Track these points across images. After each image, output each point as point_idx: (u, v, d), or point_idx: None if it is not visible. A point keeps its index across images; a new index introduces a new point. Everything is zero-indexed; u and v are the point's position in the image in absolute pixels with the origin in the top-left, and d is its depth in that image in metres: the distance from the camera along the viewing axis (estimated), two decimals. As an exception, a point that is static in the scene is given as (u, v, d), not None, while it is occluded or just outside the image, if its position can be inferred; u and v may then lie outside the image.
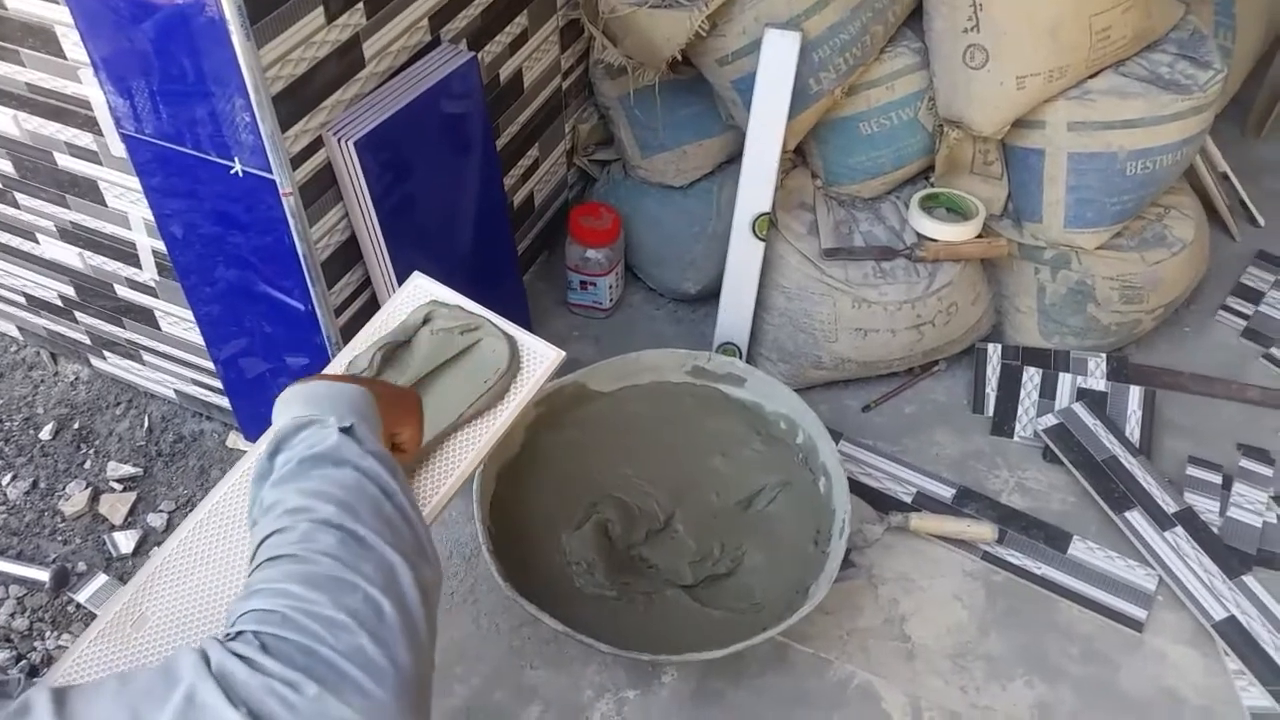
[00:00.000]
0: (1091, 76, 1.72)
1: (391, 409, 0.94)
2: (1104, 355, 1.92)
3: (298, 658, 0.65)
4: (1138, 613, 1.61)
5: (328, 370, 1.25)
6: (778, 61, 1.65)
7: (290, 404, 0.87)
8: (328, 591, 0.68)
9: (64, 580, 1.69)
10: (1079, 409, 1.84)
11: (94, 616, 1.65)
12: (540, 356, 1.27)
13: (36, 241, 1.73)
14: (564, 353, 1.28)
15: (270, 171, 1.31)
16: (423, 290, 1.33)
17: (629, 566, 1.61)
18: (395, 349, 1.28)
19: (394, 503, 0.78)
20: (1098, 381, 1.89)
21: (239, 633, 0.67)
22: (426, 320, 1.29)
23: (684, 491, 1.69)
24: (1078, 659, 1.57)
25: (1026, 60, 1.66)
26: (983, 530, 1.68)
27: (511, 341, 1.26)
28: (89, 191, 1.54)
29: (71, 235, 1.66)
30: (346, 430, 0.82)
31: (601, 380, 1.74)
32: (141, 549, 1.74)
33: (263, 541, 0.74)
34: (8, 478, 1.84)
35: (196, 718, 0.61)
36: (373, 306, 1.64)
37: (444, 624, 1.60)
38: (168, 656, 0.66)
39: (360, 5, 1.36)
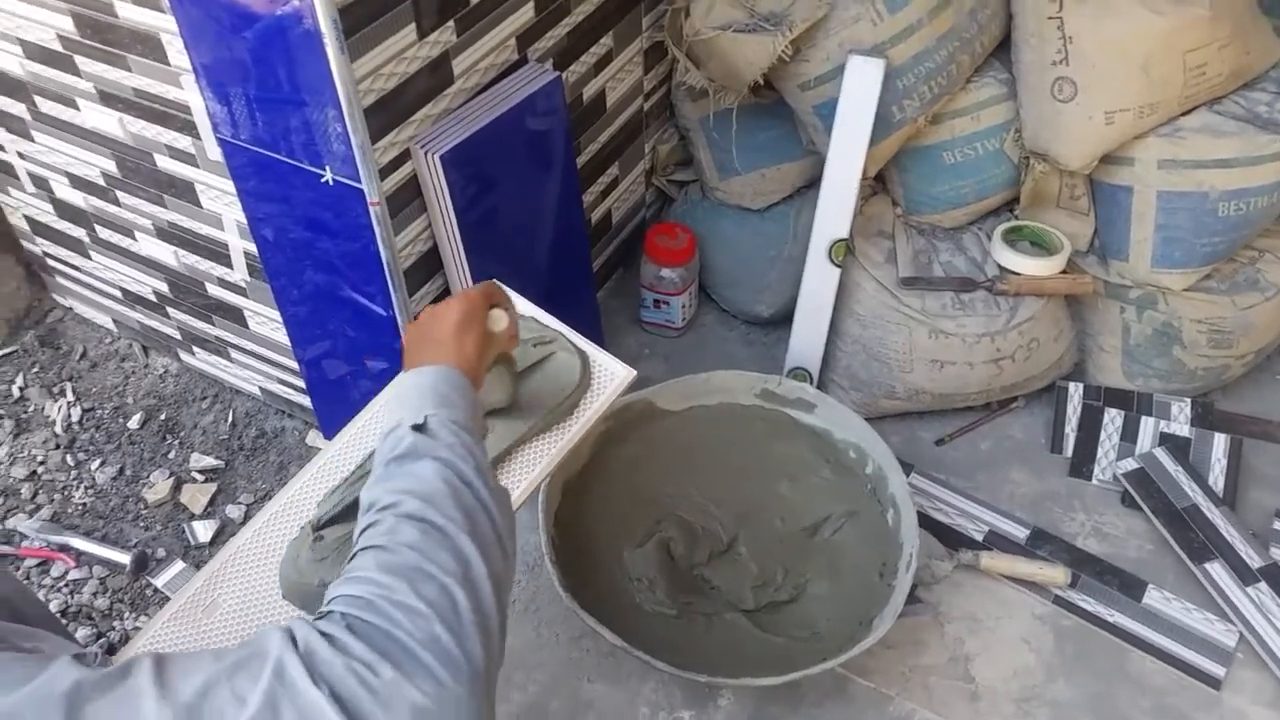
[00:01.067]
0: (1185, 113, 1.68)
1: (467, 344, 0.99)
2: (1189, 400, 1.86)
3: (378, 640, 0.68)
4: (1215, 669, 1.55)
5: None
6: (861, 88, 1.64)
7: (389, 409, 0.94)
8: (407, 580, 0.72)
9: (143, 564, 1.75)
10: (1161, 454, 1.79)
11: (169, 601, 1.70)
12: (611, 374, 1.29)
13: (134, 239, 1.80)
14: (635, 371, 1.29)
15: (359, 181, 1.35)
16: None
17: (690, 586, 1.60)
18: None
19: (471, 490, 0.82)
20: (1181, 427, 1.84)
21: (328, 611, 0.72)
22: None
23: (749, 515, 1.68)
24: (1149, 712, 1.52)
25: (1116, 95, 1.63)
26: (1055, 573, 1.64)
27: (584, 357, 1.28)
28: (186, 193, 1.61)
29: (168, 234, 1.73)
30: (419, 427, 0.86)
31: (670, 399, 1.74)
32: (218, 539, 1.79)
33: (360, 534, 0.79)
34: (97, 463, 1.91)
35: (284, 694, 0.65)
36: (450, 316, 1.67)
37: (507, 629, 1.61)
38: (256, 633, 0.70)
39: (451, 23, 1.40)
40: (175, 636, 1.10)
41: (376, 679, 0.66)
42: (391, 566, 0.73)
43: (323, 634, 0.68)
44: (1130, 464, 1.78)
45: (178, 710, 0.64)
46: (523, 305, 1.35)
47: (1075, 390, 1.90)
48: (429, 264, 1.57)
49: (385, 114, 1.34)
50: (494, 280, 1.10)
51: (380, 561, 0.74)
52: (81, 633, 1.66)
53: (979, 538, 1.73)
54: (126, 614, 1.71)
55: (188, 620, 1.12)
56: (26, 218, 1.98)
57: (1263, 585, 1.61)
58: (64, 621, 1.66)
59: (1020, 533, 1.74)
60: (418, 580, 0.72)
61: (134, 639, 1.11)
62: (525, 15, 1.54)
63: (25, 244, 2.07)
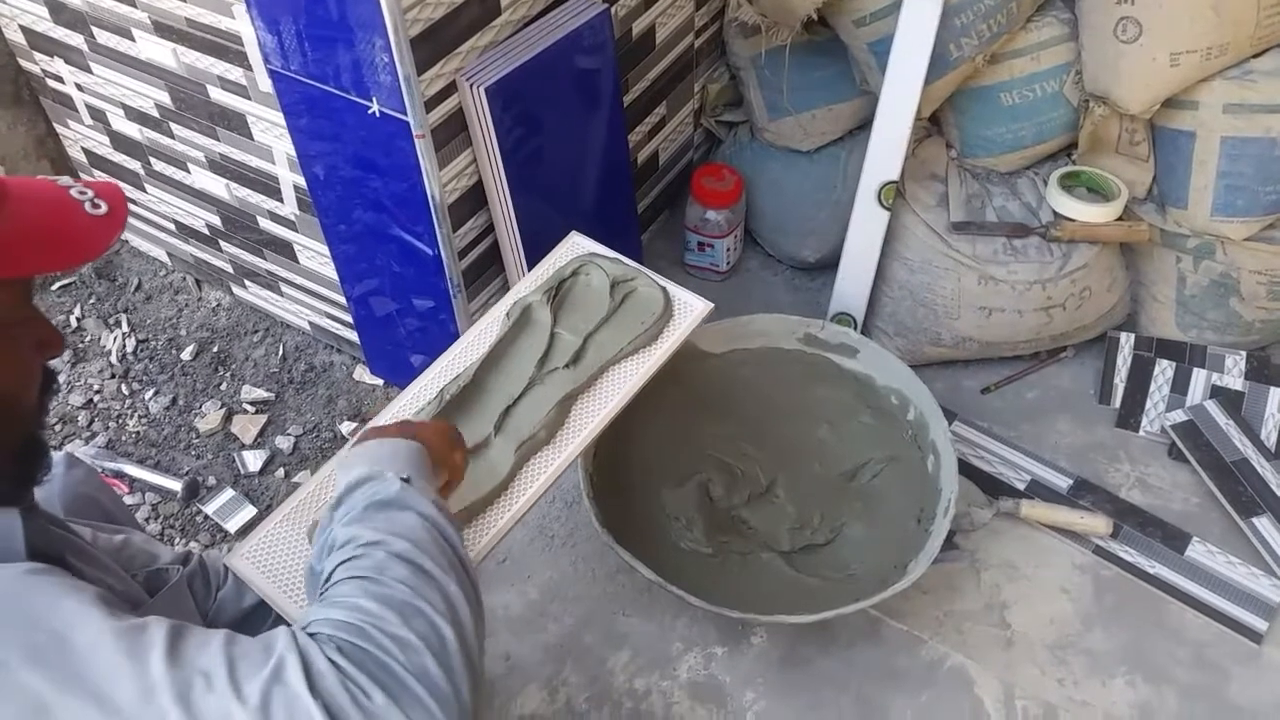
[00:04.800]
0: (1256, 55, 1.62)
1: (438, 444, 1.01)
2: (1244, 353, 1.82)
3: (370, 666, 0.70)
4: (1258, 623, 1.53)
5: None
6: (917, 25, 1.60)
7: (352, 465, 0.92)
8: (399, 613, 0.74)
9: (194, 492, 1.80)
10: (1211, 407, 1.75)
11: (219, 527, 1.75)
12: (690, 306, 1.40)
13: (188, 171, 1.83)
14: (712, 304, 1.40)
15: (405, 113, 1.36)
16: (579, 246, 1.47)
17: (728, 527, 1.62)
18: (557, 294, 1.41)
19: (454, 550, 0.83)
20: (1235, 380, 1.80)
21: (315, 634, 0.72)
22: (576, 273, 1.43)
23: (788, 458, 1.68)
24: (1186, 663, 1.51)
25: (1183, 36, 1.57)
26: (1096, 523, 1.62)
27: (665, 291, 1.39)
28: (237, 125, 1.62)
29: (220, 166, 1.75)
30: (406, 481, 0.88)
31: (712, 341, 1.74)
32: (268, 468, 1.84)
33: (339, 565, 0.80)
34: (150, 393, 1.96)
35: (280, 693, 0.68)
36: (494, 252, 1.68)
37: (542, 564, 1.65)
38: (269, 631, 0.73)
39: (500, -48, 1.38)
40: (289, 534, 1.17)
41: (369, 702, 0.68)
42: (382, 597, 0.74)
43: (321, 651, 0.70)
44: (1179, 416, 1.75)
45: (179, 682, 0.67)
46: (603, 250, 1.45)
47: (1126, 340, 1.87)
48: (474, 200, 1.58)
49: (432, 45, 1.34)
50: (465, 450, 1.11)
51: (370, 591, 0.75)
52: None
53: (1021, 486, 1.72)
54: (177, 539, 1.76)
55: (301, 520, 1.19)
56: (85, 150, 2.01)
57: (1312, 542, 1.58)
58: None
59: (1063, 482, 1.72)
60: (409, 614, 0.74)
61: (254, 532, 1.18)
62: (574, -53, 1.52)
63: (83, 177, 2.11)
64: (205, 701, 0.67)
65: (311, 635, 0.72)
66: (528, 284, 1.42)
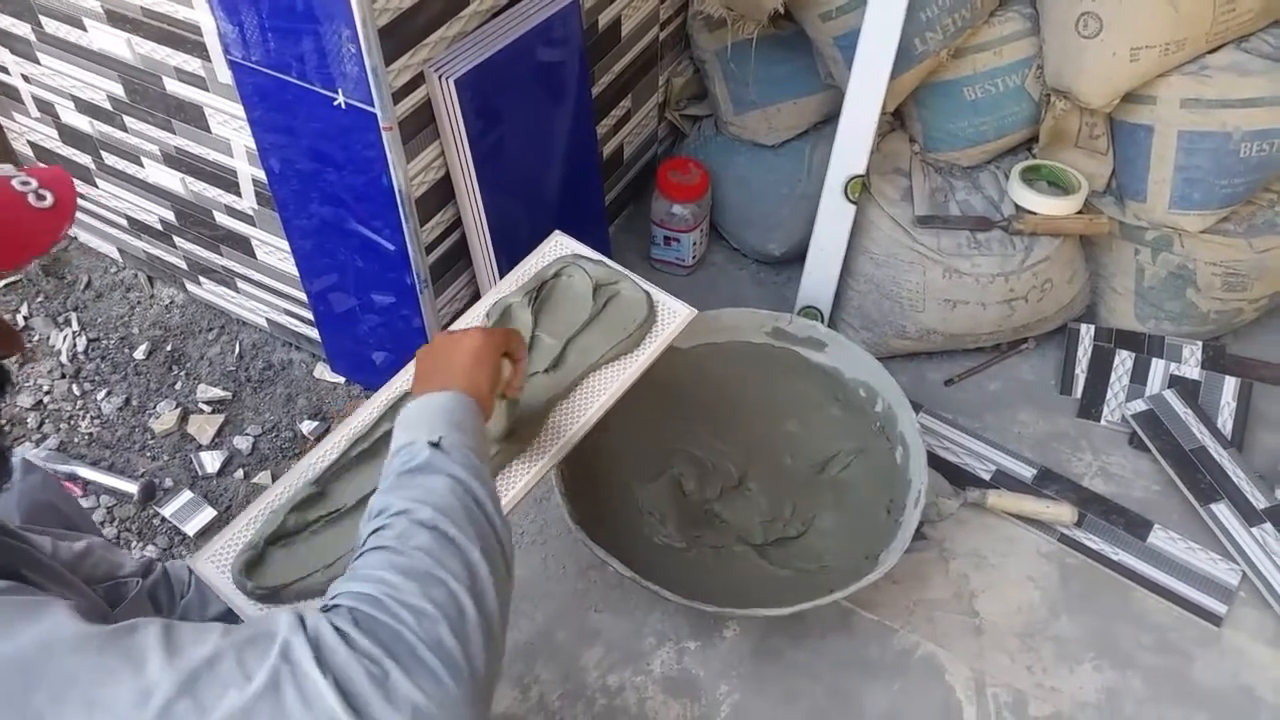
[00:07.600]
0: (1211, 51, 1.65)
1: (488, 358, 1.00)
2: (1200, 343, 1.86)
3: (384, 637, 0.69)
4: (1217, 607, 1.57)
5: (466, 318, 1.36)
6: (883, 19, 1.60)
7: (398, 430, 0.91)
8: (417, 581, 0.73)
9: (151, 494, 1.76)
10: (1170, 396, 1.79)
11: (177, 530, 1.71)
12: (673, 312, 1.40)
13: (142, 165, 1.78)
14: (696, 310, 1.39)
15: (372, 104, 1.33)
16: (563, 246, 1.45)
17: (700, 520, 1.61)
18: (539, 296, 1.40)
19: (482, 510, 0.82)
20: (1192, 370, 1.84)
21: (335, 605, 0.72)
22: (558, 274, 1.42)
23: (758, 451, 1.68)
24: (1150, 648, 1.54)
25: (1143, 31, 1.60)
26: (1061, 512, 1.65)
27: (649, 295, 1.38)
28: (195, 117, 1.58)
29: (175, 160, 1.70)
30: (435, 444, 0.86)
31: (681, 335, 1.71)
32: (226, 469, 1.80)
33: (369, 535, 0.80)
34: (103, 393, 1.91)
35: (289, 673, 0.66)
36: (461, 246, 1.66)
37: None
38: (265, 614, 0.72)
39: (468, -58, 1.36)
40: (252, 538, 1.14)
41: (381, 673, 0.67)
42: (402, 567, 0.74)
43: (332, 625, 0.69)
44: (1139, 405, 1.78)
45: (181, 675, 0.65)
46: (586, 250, 1.44)
47: (1086, 332, 1.90)
48: (441, 193, 1.56)
49: (400, 35, 1.32)
50: (519, 332, 1.09)
51: (390, 562, 0.75)
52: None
53: (986, 477, 1.74)
54: (134, 543, 1.71)
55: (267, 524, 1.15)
56: (31, 143, 1.95)
57: (1267, 526, 1.62)
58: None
59: (1027, 472, 1.74)
60: (428, 583, 0.73)
61: (218, 536, 1.14)
62: (541, -63, 1.51)
63: (25, 166, 2.04)
64: (212, 690, 0.65)
65: (335, 607, 0.72)
66: (508, 284, 1.40)
